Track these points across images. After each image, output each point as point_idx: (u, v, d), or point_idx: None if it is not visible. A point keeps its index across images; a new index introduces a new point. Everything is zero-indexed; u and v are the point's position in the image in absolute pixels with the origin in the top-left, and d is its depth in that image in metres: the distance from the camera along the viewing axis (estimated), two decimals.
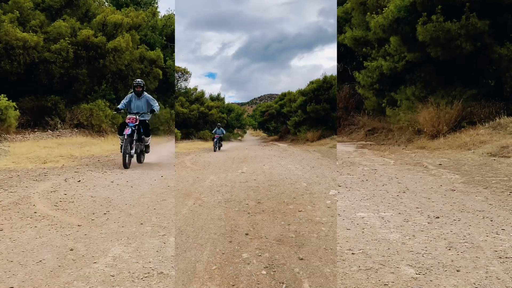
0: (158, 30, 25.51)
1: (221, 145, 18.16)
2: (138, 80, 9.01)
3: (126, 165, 8.09)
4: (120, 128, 8.62)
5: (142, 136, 8.78)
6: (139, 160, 9.16)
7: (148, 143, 9.16)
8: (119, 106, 8.74)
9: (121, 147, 8.46)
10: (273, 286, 2.61)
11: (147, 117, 8.97)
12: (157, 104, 8.86)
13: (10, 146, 10.85)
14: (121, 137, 8.46)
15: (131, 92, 8.87)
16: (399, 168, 7.67)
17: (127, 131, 8.24)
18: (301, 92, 25.04)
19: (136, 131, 8.46)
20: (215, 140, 17.37)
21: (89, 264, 2.92)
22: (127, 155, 8.16)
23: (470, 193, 5.14)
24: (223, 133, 18.97)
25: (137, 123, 8.47)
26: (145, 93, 8.88)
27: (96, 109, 16.07)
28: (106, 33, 17.14)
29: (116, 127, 17.05)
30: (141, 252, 3.20)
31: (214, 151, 16.56)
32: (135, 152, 8.59)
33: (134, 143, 8.41)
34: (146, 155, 9.56)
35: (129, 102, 8.78)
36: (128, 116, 8.55)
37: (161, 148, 14.87)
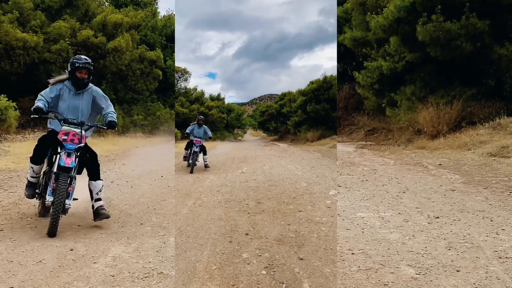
0: (158, 30, 25.52)
1: (206, 160, 9.35)
2: (81, 56, 4.20)
3: (54, 231, 3.63)
4: (38, 149, 4.08)
5: (87, 179, 4.25)
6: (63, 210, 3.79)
7: (100, 195, 4.18)
8: (39, 105, 3.94)
9: (28, 191, 4.18)
10: (273, 286, 2.61)
11: (90, 133, 4.42)
12: (113, 108, 4.41)
13: (10, 146, 10.85)
14: (35, 167, 4.11)
15: (62, 80, 4.23)
16: (399, 168, 7.67)
17: (68, 159, 3.84)
18: (301, 92, 25.03)
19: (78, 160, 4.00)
20: (194, 149, 9.02)
21: (89, 264, 2.92)
22: (60, 210, 3.68)
23: (470, 193, 5.14)
24: (210, 137, 10.10)
25: (82, 144, 4.02)
26: (92, 85, 4.33)
27: None
28: (106, 33, 17.15)
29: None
30: (141, 252, 3.20)
31: (191, 172, 8.54)
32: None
33: (74, 183, 3.93)
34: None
35: (57, 98, 4.18)
36: (63, 127, 3.96)
37: (161, 148, 14.85)
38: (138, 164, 9.21)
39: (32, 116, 3.91)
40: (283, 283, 2.65)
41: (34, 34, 14.90)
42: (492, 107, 10.25)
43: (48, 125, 4.25)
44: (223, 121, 30.14)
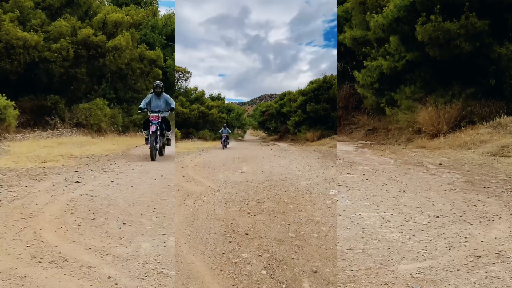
0: (158, 29, 25.48)
1: (228, 143, 20.19)
2: (157, 82, 10.37)
3: (153, 158, 9.20)
4: (145, 124, 9.89)
5: (164, 131, 9.92)
6: (161, 153, 10.15)
7: (169, 137, 10.34)
8: (141, 106, 9.73)
9: (146, 140, 9.92)
10: (273, 286, 2.61)
11: (166, 114, 10.04)
12: (173, 102, 10.11)
13: (10, 146, 10.84)
14: (145, 132, 9.81)
15: (151, 93, 10.04)
16: (399, 167, 7.66)
17: (153, 128, 9.29)
18: (301, 92, 24.99)
19: (159, 127, 9.54)
20: (223, 139, 19.43)
21: (89, 264, 2.92)
22: (154, 149, 9.28)
23: (470, 193, 5.13)
24: (229, 132, 20.55)
25: (159, 120, 9.49)
26: (164, 93, 10.08)
27: (94, 108, 16.05)
28: (106, 32, 17.12)
29: (115, 127, 17.11)
30: (141, 252, 3.20)
31: (223, 148, 18.52)
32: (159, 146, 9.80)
33: (159, 138, 9.60)
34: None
35: (150, 101, 9.85)
36: (151, 114, 9.59)
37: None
38: (138, 163, 9.20)
39: (137, 112, 12.35)
40: (283, 283, 2.65)
41: (35, 33, 14.89)
42: (492, 106, 10.24)
43: (148, 113, 9.84)
44: (223, 121, 30.13)
